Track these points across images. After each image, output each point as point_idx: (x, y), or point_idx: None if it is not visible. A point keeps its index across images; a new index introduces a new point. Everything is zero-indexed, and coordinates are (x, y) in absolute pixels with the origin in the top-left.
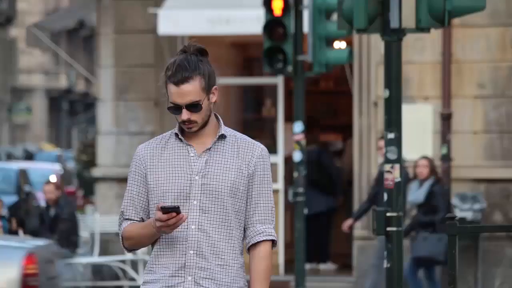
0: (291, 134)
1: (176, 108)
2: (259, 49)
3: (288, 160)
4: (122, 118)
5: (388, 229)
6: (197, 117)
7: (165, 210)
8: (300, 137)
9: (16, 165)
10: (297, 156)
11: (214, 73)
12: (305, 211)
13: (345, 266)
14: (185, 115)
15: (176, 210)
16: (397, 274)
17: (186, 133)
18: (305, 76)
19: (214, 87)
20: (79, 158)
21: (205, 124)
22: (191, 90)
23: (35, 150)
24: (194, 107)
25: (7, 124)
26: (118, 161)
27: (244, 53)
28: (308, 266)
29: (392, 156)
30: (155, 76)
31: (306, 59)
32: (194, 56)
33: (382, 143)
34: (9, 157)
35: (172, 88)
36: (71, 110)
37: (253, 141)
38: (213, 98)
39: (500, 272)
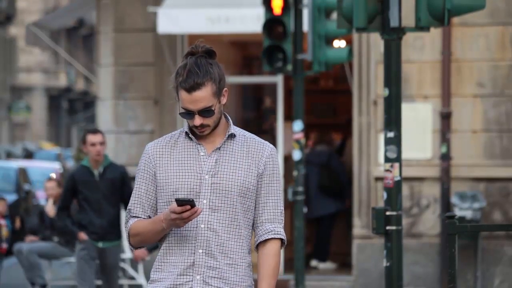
0: (290, 133)
1: (188, 114)
2: (258, 48)
3: (288, 159)
4: (122, 117)
5: (388, 228)
6: (209, 121)
7: (179, 202)
8: (300, 135)
9: (16, 163)
10: (297, 155)
11: (224, 75)
12: (305, 210)
13: (344, 265)
14: (197, 121)
15: (190, 203)
16: (396, 273)
17: None
18: (304, 75)
19: (225, 89)
20: (79, 157)
21: (216, 125)
22: (203, 96)
23: (34, 148)
24: (206, 112)
25: (6, 123)
26: (118, 159)
27: (243, 52)
28: (314, 262)
29: (392, 155)
30: (155, 75)
31: (305, 58)
32: (204, 59)
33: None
34: (9, 155)
35: (183, 94)
36: (71, 109)
37: (262, 140)
38: (224, 100)
39: (499, 271)
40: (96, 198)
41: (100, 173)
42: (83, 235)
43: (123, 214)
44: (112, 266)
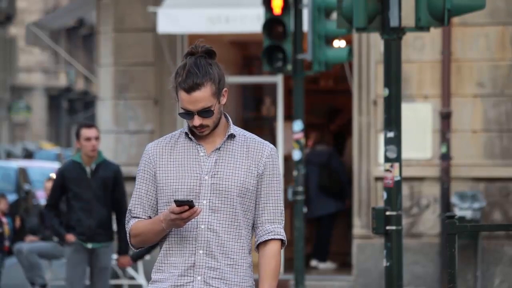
0: (290, 133)
1: (188, 114)
2: (258, 48)
3: (288, 159)
4: (122, 117)
5: (388, 227)
6: (208, 122)
7: (178, 203)
8: (300, 135)
9: (16, 163)
10: (297, 155)
11: (224, 76)
12: (305, 210)
13: (344, 265)
14: (197, 121)
15: (189, 203)
16: (396, 273)
17: None
18: (304, 75)
19: (224, 89)
20: None
21: (216, 125)
22: (202, 97)
23: (34, 148)
24: (205, 113)
25: (6, 123)
26: (118, 159)
27: (243, 52)
28: (314, 262)
29: (392, 154)
30: (155, 75)
31: (305, 58)
32: (203, 59)
33: None
34: (9, 155)
35: (183, 95)
36: (71, 109)
37: (262, 140)
38: (223, 100)
39: (499, 270)
40: (86, 197)
41: (92, 170)
42: (70, 237)
43: (114, 215)
44: (102, 268)
